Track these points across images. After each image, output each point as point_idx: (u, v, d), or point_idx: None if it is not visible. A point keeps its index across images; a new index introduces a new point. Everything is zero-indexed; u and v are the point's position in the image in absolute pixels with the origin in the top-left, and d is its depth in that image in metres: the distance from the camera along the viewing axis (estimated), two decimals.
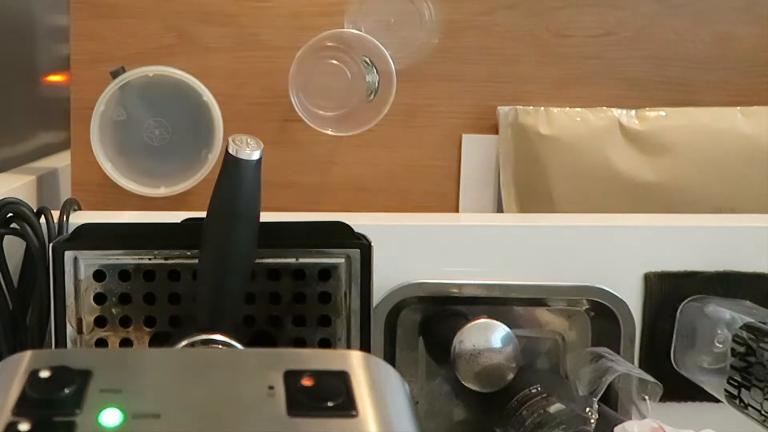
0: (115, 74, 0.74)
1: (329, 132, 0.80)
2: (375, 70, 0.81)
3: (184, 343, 0.52)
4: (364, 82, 0.83)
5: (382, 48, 0.79)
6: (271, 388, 0.37)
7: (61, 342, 0.60)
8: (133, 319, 0.62)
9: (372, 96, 0.82)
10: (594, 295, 0.69)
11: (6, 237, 0.65)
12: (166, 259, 0.62)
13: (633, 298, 0.70)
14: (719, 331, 0.65)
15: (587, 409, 0.60)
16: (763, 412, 0.59)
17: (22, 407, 0.35)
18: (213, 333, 0.53)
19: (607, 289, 0.69)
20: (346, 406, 0.36)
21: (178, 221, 0.66)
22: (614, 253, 0.71)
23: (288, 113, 0.81)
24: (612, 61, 0.89)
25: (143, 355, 0.52)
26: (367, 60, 0.82)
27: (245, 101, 0.82)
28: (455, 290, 0.69)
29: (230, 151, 0.52)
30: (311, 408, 0.36)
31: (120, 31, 0.73)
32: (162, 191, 0.78)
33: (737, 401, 0.62)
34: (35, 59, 1.01)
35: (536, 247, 0.71)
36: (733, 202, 0.87)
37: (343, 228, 0.64)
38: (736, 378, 0.62)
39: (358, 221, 0.64)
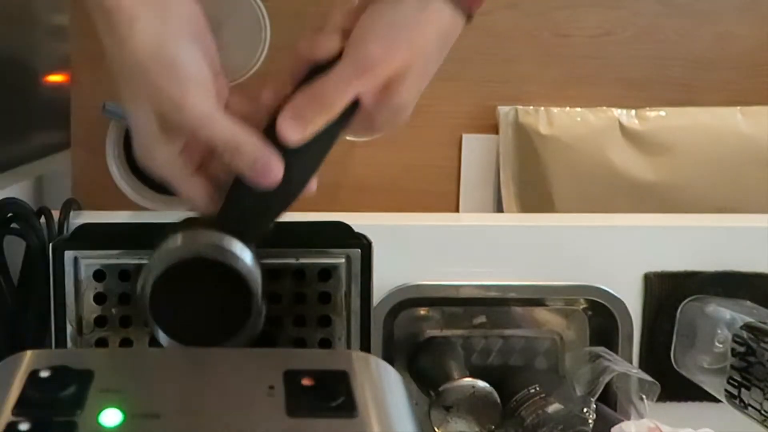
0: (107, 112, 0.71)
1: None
2: None
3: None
4: None
5: None
6: (271, 388, 0.37)
7: (61, 342, 0.60)
8: (133, 319, 0.62)
9: None
10: (591, 295, 0.69)
11: (6, 237, 0.65)
12: None
13: (633, 297, 0.70)
14: (719, 331, 0.65)
15: (585, 409, 0.60)
16: (763, 412, 0.59)
17: (22, 407, 0.35)
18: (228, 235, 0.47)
19: (604, 288, 0.69)
20: (346, 406, 0.36)
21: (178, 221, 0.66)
22: (614, 253, 0.71)
23: None
24: (612, 61, 0.89)
25: (143, 355, 0.52)
26: None
27: None
28: (454, 291, 0.69)
29: None
30: (311, 408, 0.36)
31: None
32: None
33: (737, 401, 0.62)
34: (35, 59, 1.01)
35: (536, 247, 0.71)
36: (733, 202, 0.87)
37: (343, 228, 0.64)
38: (736, 378, 0.62)
39: (358, 221, 0.64)
